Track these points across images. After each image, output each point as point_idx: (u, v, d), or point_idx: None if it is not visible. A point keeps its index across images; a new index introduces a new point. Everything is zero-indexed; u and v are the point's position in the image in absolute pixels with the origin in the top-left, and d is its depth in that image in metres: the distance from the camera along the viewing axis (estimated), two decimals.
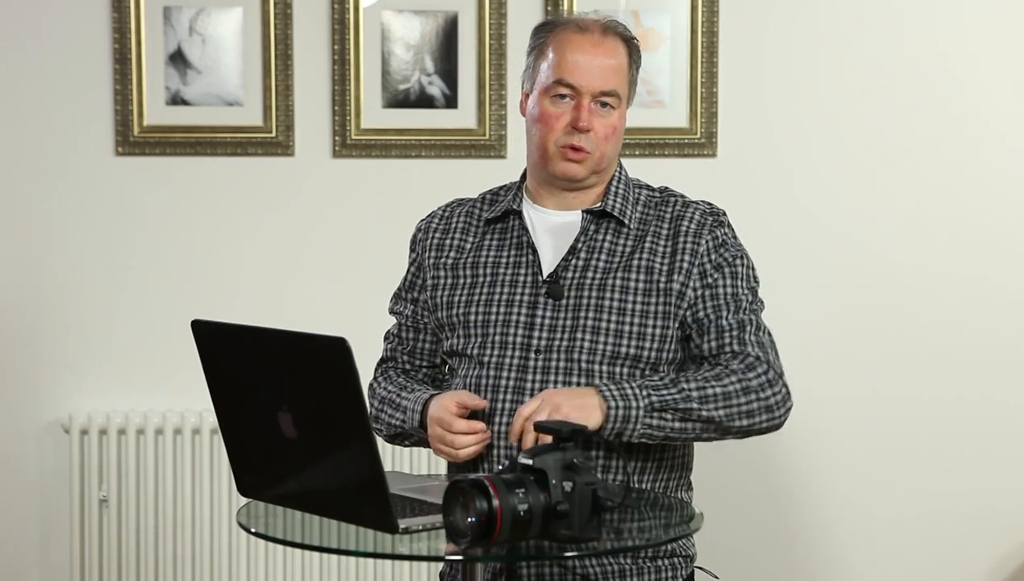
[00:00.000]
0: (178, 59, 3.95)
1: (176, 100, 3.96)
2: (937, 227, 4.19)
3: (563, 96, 2.58)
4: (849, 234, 4.16)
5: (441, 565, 2.74)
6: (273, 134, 3.98)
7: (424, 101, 4.02)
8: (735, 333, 2.57)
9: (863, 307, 4.18)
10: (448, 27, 4.01)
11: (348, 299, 3.99)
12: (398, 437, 2.68)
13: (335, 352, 2.06)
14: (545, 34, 2.63)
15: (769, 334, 2.62)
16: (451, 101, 4.03)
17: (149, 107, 3.94)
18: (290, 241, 4.02)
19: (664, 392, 2.47)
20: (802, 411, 4.13)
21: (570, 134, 2.57)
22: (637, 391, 2.45)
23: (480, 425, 2.51)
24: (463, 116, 4.04)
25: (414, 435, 2.63)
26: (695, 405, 2.48)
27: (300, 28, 3.98)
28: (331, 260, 4.03)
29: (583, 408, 2.40)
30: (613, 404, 2.42)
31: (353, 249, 4.03)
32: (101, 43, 3.93)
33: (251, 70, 3.97)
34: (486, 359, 2.58)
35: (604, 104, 2.58)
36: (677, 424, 2.48)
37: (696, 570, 2.66)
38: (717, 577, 2.64)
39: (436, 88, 4.02)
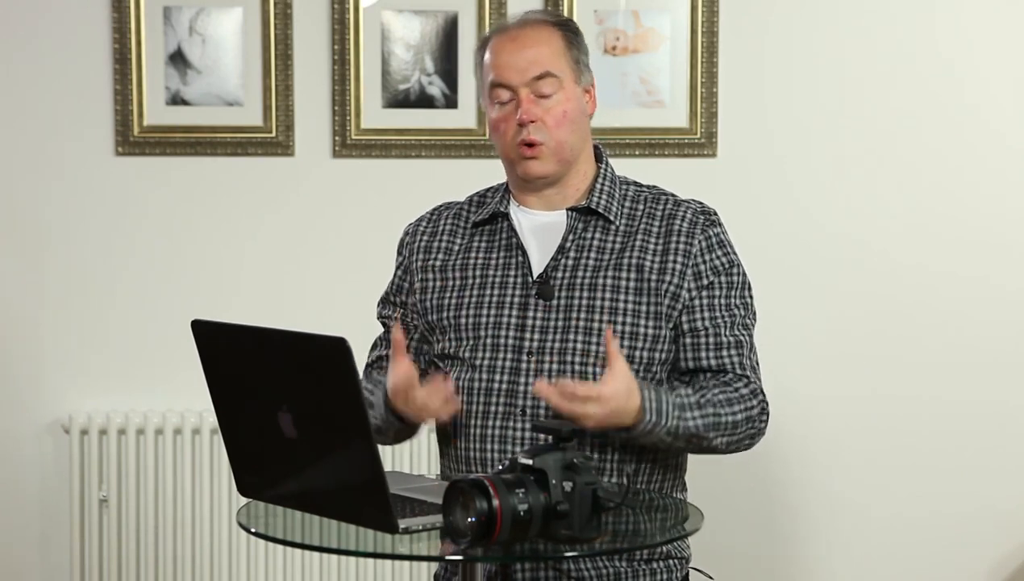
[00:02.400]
0: (178, 59, 3.95)
1: (176, 100, 3.96)
2: (937, 227, 4.19)
3: (504, 100, 2.60)
4: (849, 234, 4.16)
5: (436, 566, 2.73)
6: (273, 134, 3.98)
7: (424, 101, 4.02)
8: (734, 355, 2.58)
9: (863, 307, 4.18)
10: (448, 27, 4.01)
11: (348, 299, 3.99)
12: (380, 436, 2.63)
13: (335, 352, 2.06)
14: (481, 48, 2.66)
15: (757, 354, 2.64)
16: (451, 101, 4.03)
17: (149, 107, 3.95)
18: (290, 241, 4.02)
19: (689, 416, 2.48)
20: (801, 411, 4.15)
21: (520, 131, 2.58)
22: (670, 410, 2.45)
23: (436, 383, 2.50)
24: (463, 116, 4.04)
25: (391, 428, 2.59)
26: (711, 434, 2.51)
27: (300, 28, 3.98)
28: (331, 260, 4.03)
29: (619, 415, 2.40)
30: (645, 418, 2.43)
31: (353, 249, 4.03)
32: (101, 43, 3.93)
33: (251, 70, 3.97)
34: (478, 362, 2.57)
35: (543, 92, 2.58)
36: (680, 444, 2.52)
37: (691, 571, 2.66)
38: (712, 578, 2.64)
39: (436, 88, 4.02)
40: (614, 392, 2.38)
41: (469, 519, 2.04)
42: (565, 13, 3.96)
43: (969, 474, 4.21)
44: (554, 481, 2.08)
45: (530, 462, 2.10)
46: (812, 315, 4.15)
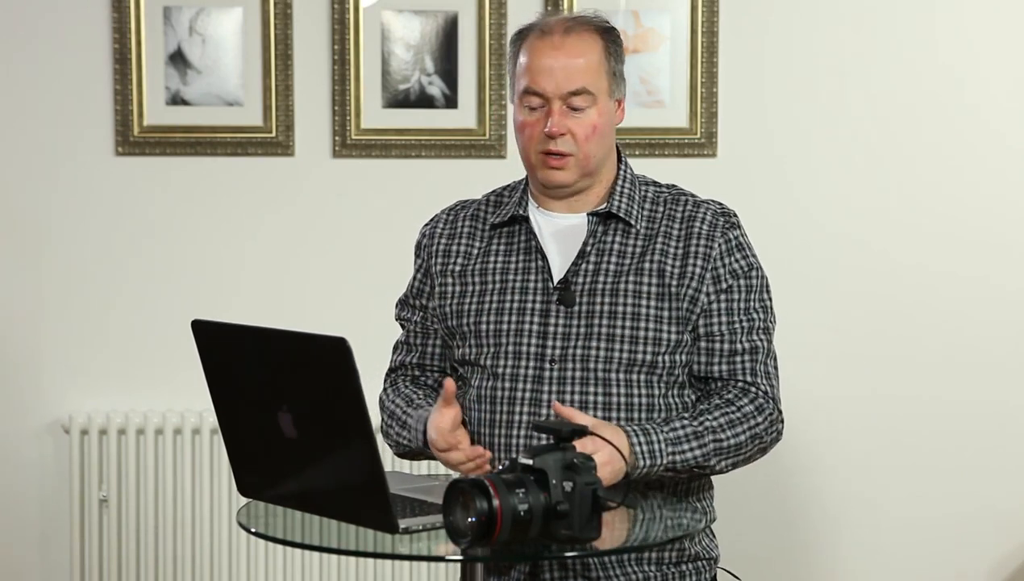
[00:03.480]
0: (178, 59, 3.95)
1: (176, 100, 3.96)
2: (937, 227, 4.19)
3: (535, 105, 2.54)
4: (849, 234, 4.16)
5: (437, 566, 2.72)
6: (273, 134, 3.98)
7: (424, 101, 4.02)
8: (747, 361, 2.55)
9: (863, 307, 4.18)
10: (448, 27, 4.01)
11: (348, 299, 3.99)
12: (409, 455, 2.64)
13: (335, 352, 2.06)
14: (517, 42, 2.59)
15: (775, 359, 2.61)
16: (451, 101, 4.03)
17: (149, 107, 3.95)
18: (290, 241, 4.02)
19: (687, 449, 2.45)
20: (802, 412, 4.15)
21: (546, 141, 2.53)
22: (663, 447, 2.42)
23: (476, 451, 2.46)
24: (463, 116, 4.04)
25: (424, 453, 2.60)
26: (712, 461, 2.48)
27: (300, 28, 3.98)
28: (331, 260, 4.03)
29: (615, 475, 2.34)
30: (640, 464, 2.40)
31: (353, 249, 4.03)
32: (101, 43, 3.93)
33: (251, 70, 3.97)
34: (500, 370, 2.55)
35: (576, 106, 2.53)
36: (683, 476, 2.50)
37: (719, 572, 2.64)
38: (739, 578, 2.63)
39: (436, 88, 4.02)
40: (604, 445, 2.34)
41: (469, 519, 2.04)
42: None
43: (969, 474, 4.21)
44: (554, 481, 2.08)
45: (530, 462, 2.10)
46: (812, 315, 4.15)
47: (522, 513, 2.05)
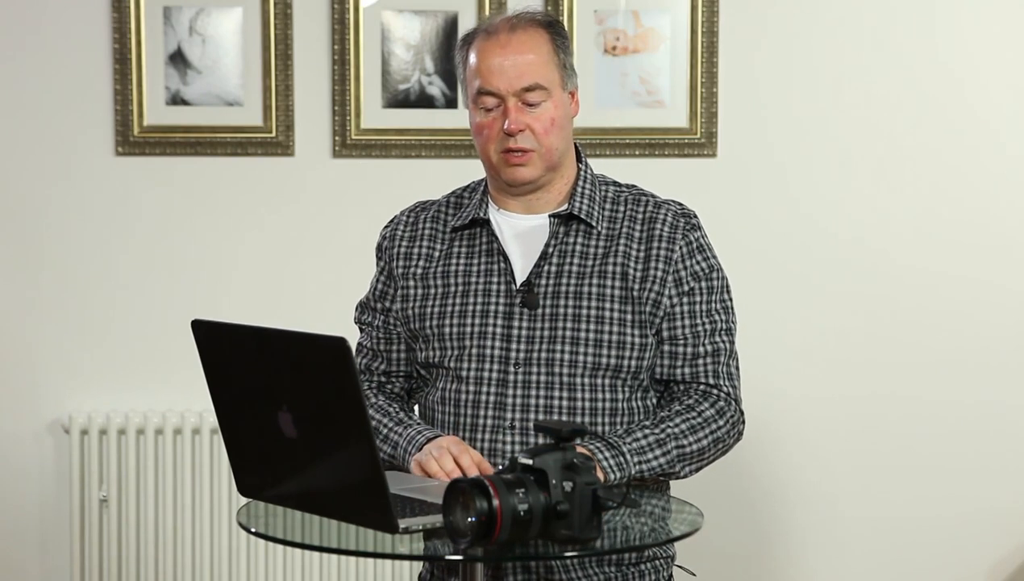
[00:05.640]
0: (178, 59, 3.95)
1: (176, 100, 3.96)
2: (937, 229, 4.19)
3: (490, 106, 2.56)
4: (848, 235, 4.16)
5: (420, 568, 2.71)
6: (273, 134, 3.98)
7: (424, 101, 4.02)
8: (709, 364, 2.56)
9: (861, 308, 4.18)
10: (448, 27, 4.01)
11: (348, 299, 3.97)
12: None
13: (335, 352, 2.06)
14: (464, 46, 2.61)
15: (737, 359, 2.62)
16: (451, 101, 4.03)
17: (149, 107, 3.95)
18: (290, 241, 4.02)
19: (651, 457, 2.46)
20: (800, 413, 4.15)
21: (505, 139, 2.54)
22: (629, 459, 2.43)
23: (456, 473, 2.42)
24: (463, 116, 3.99)
25: (393, 467, 2.57)
26: (676, 467, 2.50)
27: (300, 28, 3.98)
28: (331, 260, 4.03)
29: None
30: (610, 478, 2.40)
31: (353, 249, 4.02)
32: (101, 43, 3.93)
33: (251, 70, 3.97)
34: (464, 373, 2.55)
35: (531, 101, 2.54)
36: (647, 483, 2.51)
37: (675, 569, 2.65)
38: (694, 574, 2.63)
39: (436, 88, 4.02)
40: None
41: (469, 519, 2.04)
42: (565, 13, 3.96)
43: (969, 475, 4.20)
44: (554, 481, 2.08)
45: (530, 462, 2.10)
46: (810, 316, 4.15)
47: (522, 513, 2.05)
